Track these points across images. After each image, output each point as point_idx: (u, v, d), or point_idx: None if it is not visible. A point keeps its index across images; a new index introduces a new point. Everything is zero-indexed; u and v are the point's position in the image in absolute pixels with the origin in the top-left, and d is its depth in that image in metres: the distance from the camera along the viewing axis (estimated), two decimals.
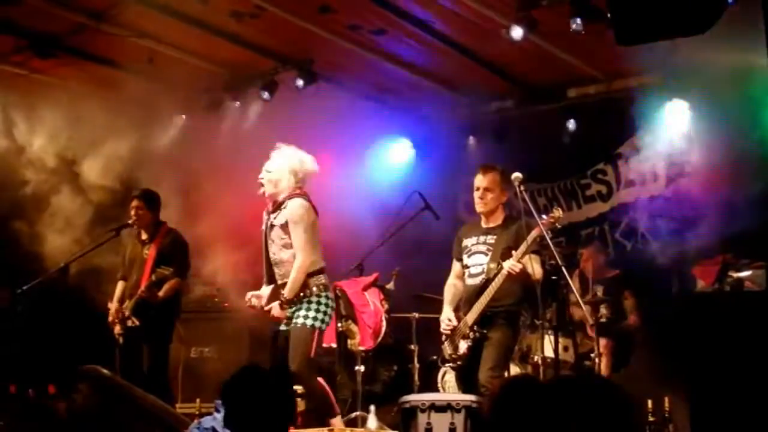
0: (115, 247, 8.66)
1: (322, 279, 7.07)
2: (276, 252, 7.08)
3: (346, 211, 9.82)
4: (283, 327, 7.09)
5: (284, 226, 7.02)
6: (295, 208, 7.03)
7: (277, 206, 7.12)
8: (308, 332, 6.92)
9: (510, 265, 6.87)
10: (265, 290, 7.10)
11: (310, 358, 6.94)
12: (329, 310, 7.07)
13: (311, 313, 6.96)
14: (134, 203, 8.38)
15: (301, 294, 6.97)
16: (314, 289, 7.00)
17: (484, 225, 7.32)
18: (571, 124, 10.28)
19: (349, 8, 8.37)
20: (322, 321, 6.99)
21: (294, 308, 6.99)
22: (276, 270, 7.09)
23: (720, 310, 5.87)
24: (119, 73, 9.26)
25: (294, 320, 6.97)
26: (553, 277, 6.73)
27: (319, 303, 6.99)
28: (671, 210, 9.57)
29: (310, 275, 7.01)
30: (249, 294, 7.14)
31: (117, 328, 8.23)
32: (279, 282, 7.07)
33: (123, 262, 8.58)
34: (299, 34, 8.81)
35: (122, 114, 9.24)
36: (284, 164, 7.13)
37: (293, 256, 7.00)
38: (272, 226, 7.11)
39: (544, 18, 8.11)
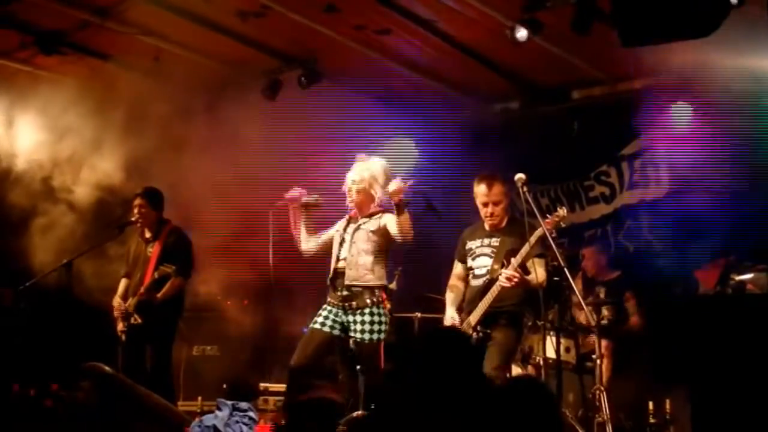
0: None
1: (383, 294, 7.25)
2: (354, 254, 7.20)
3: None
4: (316, 326, 7.21)
5: (374, 233, 7.21)
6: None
7: (369, 216, 7.31)
8: (377, 347, 7.13)
9: (504, 277, 6.88)
10: None
11: (380, 370, 7.17)
12: (386, 319, 7.22)
13: (375, 327, 7.13)
14: (137, 201, 8.38)
15: (368, 299, 7.16)
16: (379, 298, 7.18)
17: (488, 227, 7.31)
18: (575, 126, 10.28)
19: (354, 8, 8.37)
20: (382, 332, 7.17)
21: (358, 314, 7.15)
22: (348, 271, 7.19)
23: (722, 312, 5.87)
24: (124, 71, 9.26)
25: (360, 335, 7.12)
26: (555, 278, 6.72)
27: (380, 314, 7.16)
28: (674, 212, 9.56)
29: (380, 287, 7.23)
30: None
31: (120, 326, 8.23)
32: (347, 282, 7.17)
33: (126, 259, 8.58)
34: (304, 33, 8.81)
35: (126, 112, 9.22)
36: (371, 175, 7.33)
37: (371, 263, 7.19)
38: (359, 229, 7.26)
39: (549, 19, 8.10)
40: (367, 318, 7.09)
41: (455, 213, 10.34)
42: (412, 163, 10.97)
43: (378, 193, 7.28)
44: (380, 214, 7.28)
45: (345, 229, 7.39)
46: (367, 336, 7.08)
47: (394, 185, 6.94)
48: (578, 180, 10.52)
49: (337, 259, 7.29)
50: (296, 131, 9.28)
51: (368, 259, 7.18)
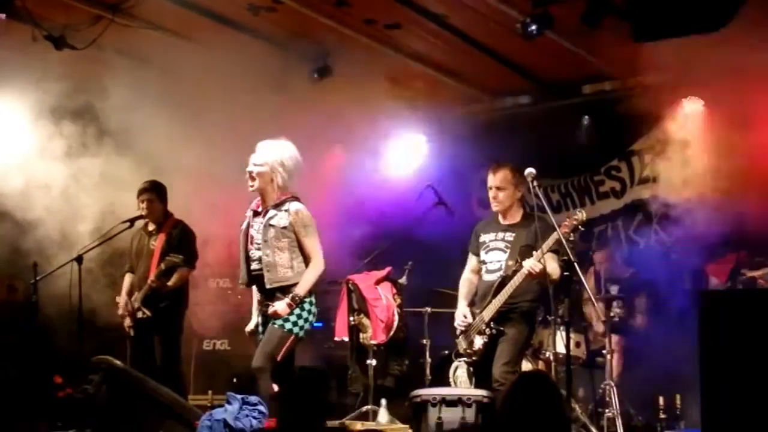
0: None
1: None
2: (269, 254, 6.82)
3: (360, 205, 9.84)
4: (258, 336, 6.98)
5: (285, 229, 6.81)
6: (302, 212, 6.85)
7: (274, 206, 6.88)
8: (284, 335, 6.75)
9: (531, 264, 6.85)
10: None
11: (275, 360, 6.73)
12: (311, 317, 6.88)
13: (292, 317, 6.76)
14: (145, 195, 8.39)
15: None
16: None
17: (502, 222, 7.30)
18: (586, 121, 10.29)
19: (365, 2, 8.38)
20: (301, 328, 6.79)
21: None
22: (267, 274, 6.83)
23: (732, 307, 5.86)
24: (135, 67, 9.28)
25: (273, 320, 6.81)
26: (566, 273, 6.72)
27: (302, 309, 6.81)
28: (685, 207, 9.54)
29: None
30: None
31: (127, 321, 8.27)
32: (270, 286, 6.82)
33: (129, 254, 8.60)
34: (315, 27, 8.82)
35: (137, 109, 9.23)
36: (275, 159, 6.87)
37: (289, 260, 6.82)
38: (268, 226, 6.84)
39: (560, 14, 8.09)
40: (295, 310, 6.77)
41: (466, 208, 10.39)
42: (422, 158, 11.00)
43: (280, 180, 6.82)
44: (287, 203, 6.85)
45: (250, 225, 6.97)
46: (279, 322, 6.72)
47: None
48: (589, 175, 10.51)
49: (249, 260, 6.93)
50: (307, 126, 9.27)
51: (284, 257, 6.81)
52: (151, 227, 8.48)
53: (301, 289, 6.76)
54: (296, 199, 6.92)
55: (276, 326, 6.77)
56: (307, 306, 6.86)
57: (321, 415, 5.12)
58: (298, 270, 6.83)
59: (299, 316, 6.80)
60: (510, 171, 7.10)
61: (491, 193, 7.22)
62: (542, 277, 6.86)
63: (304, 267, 6.85)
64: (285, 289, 6.79)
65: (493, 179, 7.18)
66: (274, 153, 6.87)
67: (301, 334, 6.82)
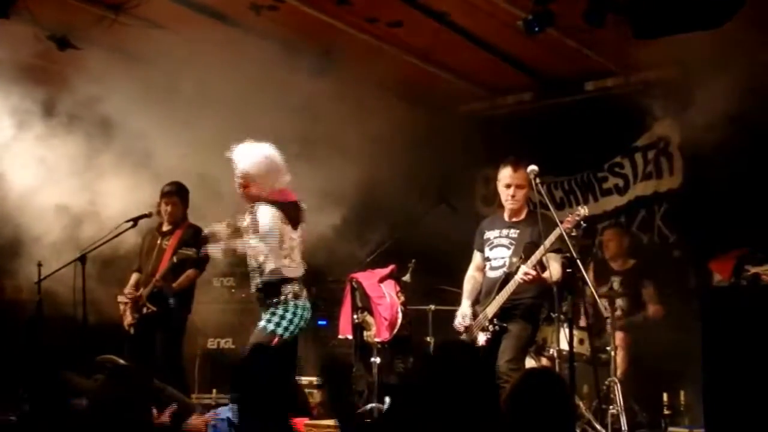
0: None
1: (295, 287, 6.95)
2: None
3: (364, 203, 9.84)
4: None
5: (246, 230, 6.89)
6: (257, 215, 6.86)
7: (250, 209, 6.97)
8: (266, 337, 6.77)
9: (521, 274, 6.88)
10: None
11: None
12: (296, 319, 6.89)
13: (275, 319, 6.83)
14: (169, 198, 8.42)
15: (269, 301, 6.89)
16: (287, 296, 6.90)
17: (507, 218, 7.31)
18: (589, 118, 10.27)
19: (366, 1, 8.38)
20: (285, 329, 6.82)
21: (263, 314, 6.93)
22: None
23: (736, 304, 5.87)
24: (138, 66, 9.28)
25: (259, 323, 6.91)
26: (569, 270, 6.72)
27: (286, 310, 6.86)
28: (688, 203, 9.55)
29: (284, 282, 6.91)
30: None
31: (128, 319, 8.26)
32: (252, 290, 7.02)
33: (139, 254, 8.61)
34: (316, 26, 8.82)
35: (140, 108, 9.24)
36: (241, 169, 6.95)
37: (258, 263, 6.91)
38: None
39: (562, 11, 8.09)
40: (271, 310, 6.85)
41: (469, 205, 10.40)
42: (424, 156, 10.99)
43: (254, 189, 6.91)
44: (257, 206, 6.92)
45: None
46: (262, 324, 6.83)
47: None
48: (592, 172, 10.50)
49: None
50: (309, 124, 9.29)
51: (251, 261, 6.94)
52: (165, 228, 8.50)
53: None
54: (270, 201, 6.91)
55: (259, 328, 6.83)
56: (290, 307, 6.85)
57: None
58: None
59: (282, 317, 6.82)
60: (526, 170, 7.08)
61: (509, 191, 7.18)
62: (538, 282, 6.88)
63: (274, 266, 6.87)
64: (264, 288, 6.89)
65: (514, 177, 7.15)
66: (240, 164, 6.93)
67: (286, 335, 6.83)
